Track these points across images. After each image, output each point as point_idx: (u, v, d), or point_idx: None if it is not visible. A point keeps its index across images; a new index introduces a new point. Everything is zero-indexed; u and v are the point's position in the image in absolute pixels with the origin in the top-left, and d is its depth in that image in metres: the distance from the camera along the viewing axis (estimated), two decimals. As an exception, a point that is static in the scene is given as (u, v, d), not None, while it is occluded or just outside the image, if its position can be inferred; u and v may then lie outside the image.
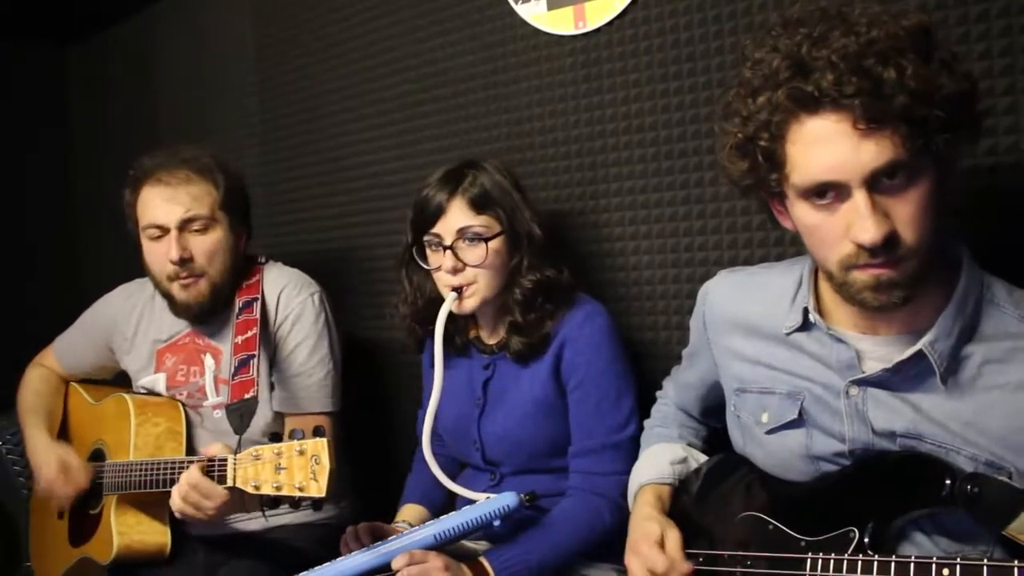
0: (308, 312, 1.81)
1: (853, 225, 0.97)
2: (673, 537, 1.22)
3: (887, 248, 0.97)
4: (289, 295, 1.81)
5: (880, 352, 1.09)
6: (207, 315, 1.80)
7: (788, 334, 1.17)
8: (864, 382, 1.09)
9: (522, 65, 1.88)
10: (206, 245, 1.75)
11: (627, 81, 1.71)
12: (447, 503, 1.72)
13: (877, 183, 0.96)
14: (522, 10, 1.86)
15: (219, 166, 1.82)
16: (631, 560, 1.23)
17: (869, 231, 0.95)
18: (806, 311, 1.15)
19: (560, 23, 1.80)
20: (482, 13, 1.95)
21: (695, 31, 1.61)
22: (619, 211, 1.74)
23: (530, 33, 1.86)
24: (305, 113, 2.42)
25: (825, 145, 0.97)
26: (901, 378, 1.07)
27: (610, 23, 1.72)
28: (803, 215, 1.04)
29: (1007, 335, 1.03)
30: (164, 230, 1.74)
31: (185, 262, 1.73)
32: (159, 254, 1.75)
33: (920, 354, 1.04)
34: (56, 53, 3.38)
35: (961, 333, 1.04)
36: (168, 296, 1.79)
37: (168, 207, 1.74)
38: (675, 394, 1.50)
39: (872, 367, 1.09)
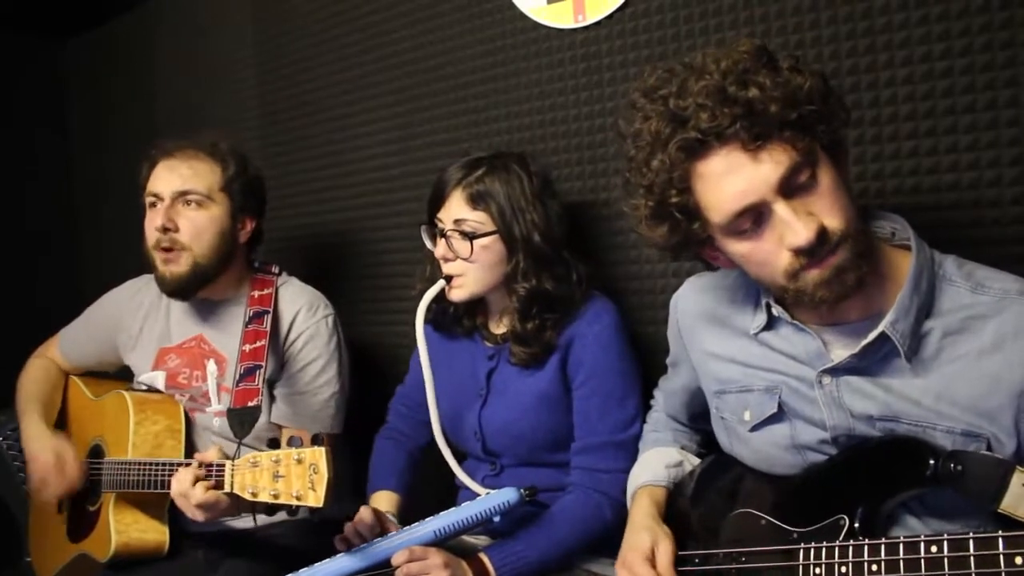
0: (322, 332, 1.80)
1: (785, 235, 1.02)
2: (664, 549, 1.23)
3: (821, 242, 1.01)
4: (306, 315, 1.80)
5: (845, 340, 1.12)
6: (185, 293, 1.78)
7: (756, 334, 1.21)
8: (834, 370, 1.12)
9: (521, 58, 1.87)
10: (196, 221, 1.74)
11: (627, 74, 1.70)
12: (415, 484, 1.73)
13: (789, 190, 1.01)
14: (521, 3, 1.85)
15: (233, 152, 1.83)
16: (621, 574, 1.24)
17: (801, 233, 1.00)
18: (769, 307, 1.18)
19: (559, 16, 1.79)
20: (481, 6, 1.94)
21: (695, 24, 1.60)
22: (620, 204, 1.73)
23: (529, 26, 1.85)
24: (304, 107, 2.41)
25: (728, 177, 1.03)
26: (868, 362, 1.10)
27: (609, 16, 1.72)
28: (735, 248, 1.09)
29: (961, 307, 1.07)
30: (160, 199, 1.75)
31: (168, 231, 1.73)
32: (150, 223, 1.76)
33: (883, 336, 1.07)
34: (55, 47, 3.37)
35: (919, 311, 1.07)
36: (153, 267, 1.78)
37: (168, 177, 1.76)
38: (664, 401, 1.52)
39: (839, 355, 1.12)
